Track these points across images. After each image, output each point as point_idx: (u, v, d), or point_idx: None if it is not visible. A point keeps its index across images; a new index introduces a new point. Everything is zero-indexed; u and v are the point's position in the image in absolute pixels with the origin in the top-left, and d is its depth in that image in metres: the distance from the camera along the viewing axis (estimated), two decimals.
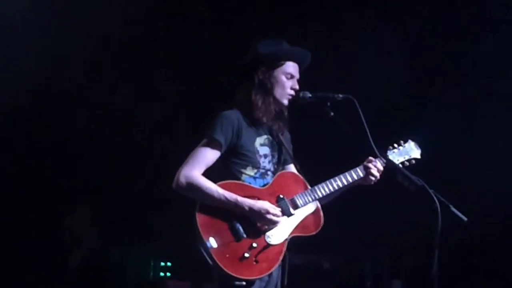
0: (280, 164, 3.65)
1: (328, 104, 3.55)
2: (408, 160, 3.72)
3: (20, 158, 7.07)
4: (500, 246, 6.24)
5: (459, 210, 3.22)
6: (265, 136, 3.60)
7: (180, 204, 3.59)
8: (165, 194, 4.13)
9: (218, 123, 3.46)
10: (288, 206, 3.44)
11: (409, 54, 6.15)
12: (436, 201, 3.15)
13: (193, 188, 3.38)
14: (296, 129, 3.76)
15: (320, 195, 3.50)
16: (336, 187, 3.53)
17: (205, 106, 6.33)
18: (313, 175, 3.60)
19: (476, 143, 6.08)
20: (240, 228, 3.34)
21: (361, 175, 3.57)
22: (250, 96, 3.55)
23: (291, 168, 3.69)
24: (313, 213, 3.50)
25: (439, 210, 3.12)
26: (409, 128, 4.11)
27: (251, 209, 3.34)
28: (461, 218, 3.23)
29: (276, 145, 3.64)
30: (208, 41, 6.77)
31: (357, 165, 3.59)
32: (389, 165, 3.59)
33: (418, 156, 3.75)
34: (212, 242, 3.28)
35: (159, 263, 7.18)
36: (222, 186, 3.39)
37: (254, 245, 3.33)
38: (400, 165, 3.65)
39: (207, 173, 3.43)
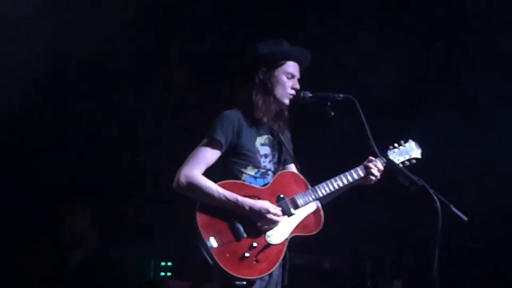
0: (280, 163, 3.65)
1: (329, 104, 3.55)
2: (409, 160, 3.72)
3: (20, 158, 7.06)
4: (500, 246, 6.24)
5: (459, 210, 3.22)
6: (265, 136, 3.60)
7: (180, 204, 3.59)
8: (166, 194, 4.13)
9: (219, 123, 3.46)
10: (288, 206, 3.44)
11: (409, 54, 6.14)
12: (437, 201, 3.15)
13: (193, 187, 3.38)
14: (296, 128, 3.76)
15: (321, 195, 3.50)
16: (337, 187, 3.53)
17: (205, 107, 6.35)
18: (313, 175, 3.60)
19: (476, 143, 6.08)
20: (241, 227, 3.34)
21: (362, 174, 3.57)
22: (251, 96, 3.55)
23: (292, 167, 3.68)
24: (313, 212, 3.50)
25: (439, 210, 3.12)
26: (409, 128, 4.11)
27: (251, 209, 3.34)
28: (461, 218, 3.23)
29: (276, 145, 3.64)
30: (208, 42, 6.77)
31: (358, 165, 3.59)
32: (390, 165, 3.58)
33: (419, 156, 3.74)
34: (213, 242, 3.28)
35: (160, 263, 7.17)
36: (222, 186, 3.38)
37: (255, 244, 3.32)
38: (401, 165, 3.64)
39: (208, 173, 3.43)
